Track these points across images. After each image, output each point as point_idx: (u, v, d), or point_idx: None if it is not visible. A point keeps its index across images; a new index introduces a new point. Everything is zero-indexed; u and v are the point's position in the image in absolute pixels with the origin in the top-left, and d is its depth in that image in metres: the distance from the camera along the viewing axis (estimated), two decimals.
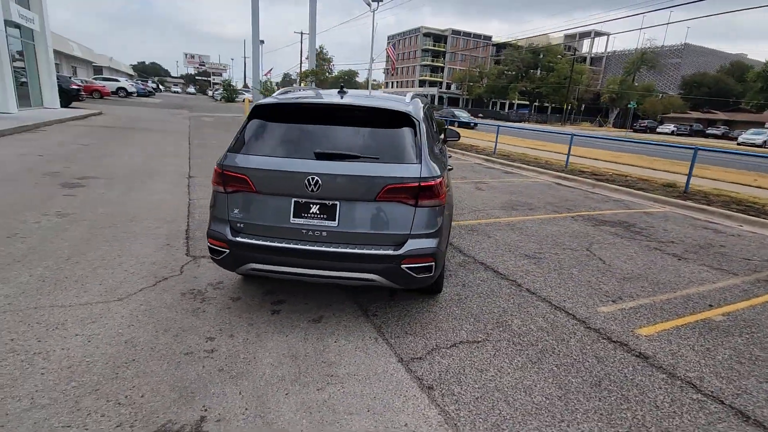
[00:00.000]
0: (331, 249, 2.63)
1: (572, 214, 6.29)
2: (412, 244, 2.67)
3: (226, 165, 2.75)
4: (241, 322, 2.85)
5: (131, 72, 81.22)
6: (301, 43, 61.10)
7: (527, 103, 72.47)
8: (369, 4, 24.17)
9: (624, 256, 4.57)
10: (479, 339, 2.81)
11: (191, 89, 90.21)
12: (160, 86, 72.14)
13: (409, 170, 2.62)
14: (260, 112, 2.89)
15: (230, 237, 2.73)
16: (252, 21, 23.64)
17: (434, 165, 2.78)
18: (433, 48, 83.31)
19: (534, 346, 2.76)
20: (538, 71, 67.46)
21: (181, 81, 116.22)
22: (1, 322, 2.62)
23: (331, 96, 3.08)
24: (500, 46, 78.40)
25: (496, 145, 13.38)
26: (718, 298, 3.66)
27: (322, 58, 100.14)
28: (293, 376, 2.35)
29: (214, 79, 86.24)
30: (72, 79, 22.52)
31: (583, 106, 70.62)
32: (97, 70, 55.80)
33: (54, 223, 4.39)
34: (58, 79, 20.36)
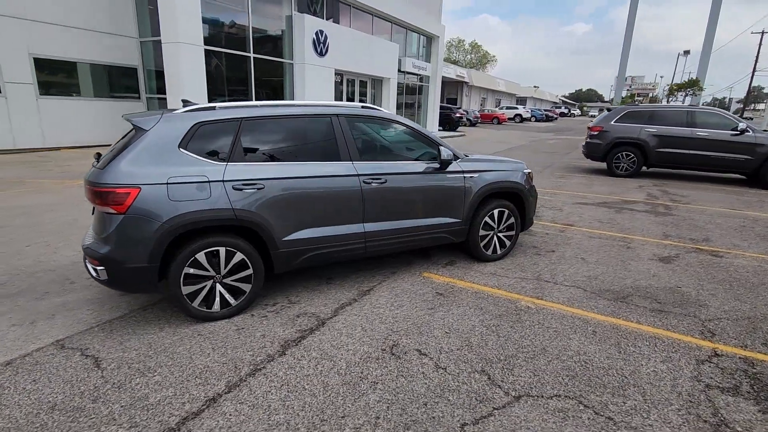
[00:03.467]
0: None
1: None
2: (91, 244, 2.86)
3: None
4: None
5: (555, 100, 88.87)
6: (759, 45, 46.01)
7: None
8: None
9: None
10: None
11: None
12: (575, 111, 75.01)
13: (103, 173, 2.80)
14: None
15: None
16: (626, 30, 20.85)
17: (126, 172, 2.75)
18: None
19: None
20: None
21: (607, 104, 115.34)
22: (62, 227, 4.97)
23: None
24: None
25: None
26: None
27: None
28: None
29: (640, 100, 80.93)
30: (458, 108, 28.23)
31: None
32: (521, 100, 65.43)
33: None
34: (447, 109, 26.36)
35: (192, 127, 3.00)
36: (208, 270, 3.01)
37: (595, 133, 10.40)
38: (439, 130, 24.86)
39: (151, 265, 2.83)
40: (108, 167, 2.80)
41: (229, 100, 12.97)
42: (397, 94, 20.26)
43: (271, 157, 3.24)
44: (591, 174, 10.75)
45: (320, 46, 14.30)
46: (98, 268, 2.81)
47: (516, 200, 4.41)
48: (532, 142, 20.78)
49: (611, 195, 8.04)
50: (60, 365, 2.56)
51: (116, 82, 11.80)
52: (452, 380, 2.45)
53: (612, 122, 10.19)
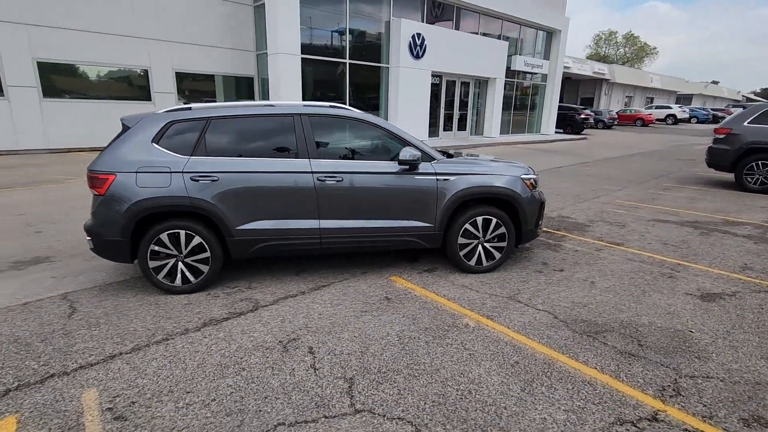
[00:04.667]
0: None
1: None
2: (88, 220, 3.55)
3: None
4: None
5: (736, 97, 72.76)
6: None
7: None
8: None
9: None
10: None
11: None
12: None
13: (94, 162, 3.46)
14: None
15: None
16: None
17: (108, 161, 3.34)
18: None
19: None
20: None
21: None
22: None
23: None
24: None
25: None
26: None
27: None
28: None
29: None
30: (585, 109, 25.27)
31: None
32: (684, 98, 55.44)
33: None
34: (571, 110, 24.10)
35: (165, 125, 3.48)
36: (170, 249, 3.46)
37: (721, 136, 8.40)
38: (555, 132, 22.80)
39: (123, 239, 3.39)
40: (98, 157, 3.45)
41: None
42: (507, 94, 19.24)
43: (233, 153, 3.55)
44: (710, 187, 8.72)
45: (416, 48, 14.44)
46: (87, 238, 3.48)
47: (508, 208, 3.95)
48: (670, 148, 17.64)
49: (715, 213, 6.44)
50: (49, 311, 3.25)
51: (239, 90, 13.83)
52: (312, 382, 2.41)
53: (745, 123, 8.10)
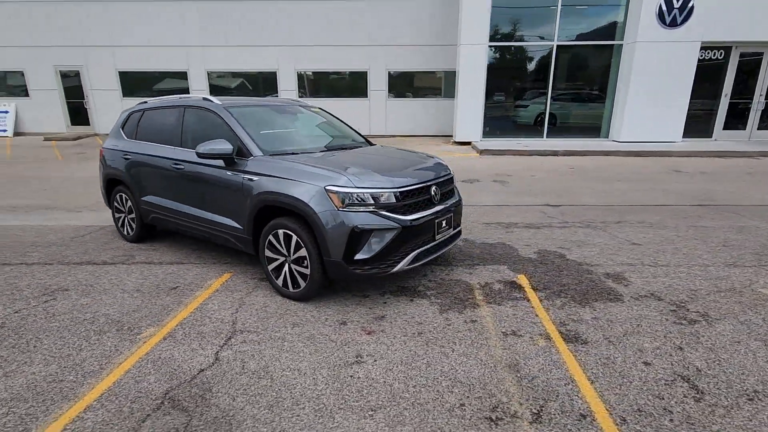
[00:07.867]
0: None
1: None
2: None
3: None
4: None
5: None
6: None
7: None
8: None
9: None
10: None
11: None
12: None
13: None
14: None
15: None
16: None
17: (106, 140, 4.80)
18: None
19: None
20: None
21: None
22: None
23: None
24: None
25: None
26: None
27: None
28: None
29: None
30: None
31: None
32: None
33: None
34: None
35: (127, 115, 4.65)
36: (121, 207, 4.67)
37: None
38: None
39: (104, 193, 4.85)
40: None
41: (522, 95, 12.33)
42: None
43: (151, 138, 4.31)
44: None
45: (672, 12, 10.19)
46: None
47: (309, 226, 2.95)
48: None
49: None
50: (75, 234, 5.04)
51: (440, 85, 14.06)
52: None
53: None
